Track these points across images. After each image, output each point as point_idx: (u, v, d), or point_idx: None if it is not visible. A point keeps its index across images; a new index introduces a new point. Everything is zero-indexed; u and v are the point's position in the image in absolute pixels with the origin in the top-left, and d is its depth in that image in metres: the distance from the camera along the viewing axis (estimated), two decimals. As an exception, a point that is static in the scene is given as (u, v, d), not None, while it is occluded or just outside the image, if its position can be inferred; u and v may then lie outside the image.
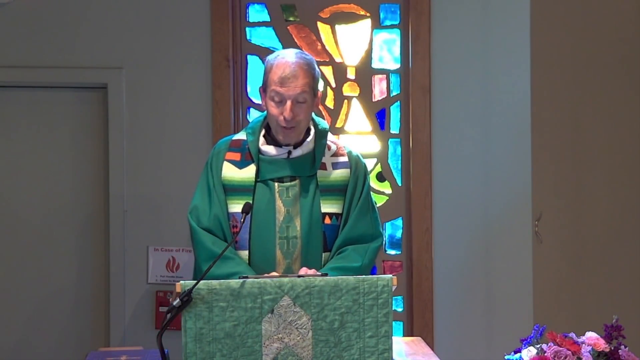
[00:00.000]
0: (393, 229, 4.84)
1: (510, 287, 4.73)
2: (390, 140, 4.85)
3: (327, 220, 3.44)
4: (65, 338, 4.73)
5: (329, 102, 4.83)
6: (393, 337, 3.02)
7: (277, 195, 3.43)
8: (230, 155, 3.48)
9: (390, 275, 3.02)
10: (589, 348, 2.90)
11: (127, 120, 4.70)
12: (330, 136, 3.55)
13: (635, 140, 5.01)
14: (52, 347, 4.73)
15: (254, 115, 4.72)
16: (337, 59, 4.84)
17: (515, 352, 2.96)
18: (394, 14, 4.84)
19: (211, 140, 4.63)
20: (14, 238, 4.74)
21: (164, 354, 2.94)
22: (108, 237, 4.69)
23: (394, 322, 3.99)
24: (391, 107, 4.85)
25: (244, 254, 3.40)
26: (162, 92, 4.71)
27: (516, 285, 4.73)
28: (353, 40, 4.85)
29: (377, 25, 4.84)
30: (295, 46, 4.70)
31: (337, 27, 4.84)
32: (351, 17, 4.85)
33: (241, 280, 2.97)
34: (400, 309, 4.82)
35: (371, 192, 3.56)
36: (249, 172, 3.45)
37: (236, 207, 3.39)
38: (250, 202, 3.36)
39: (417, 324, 4.76)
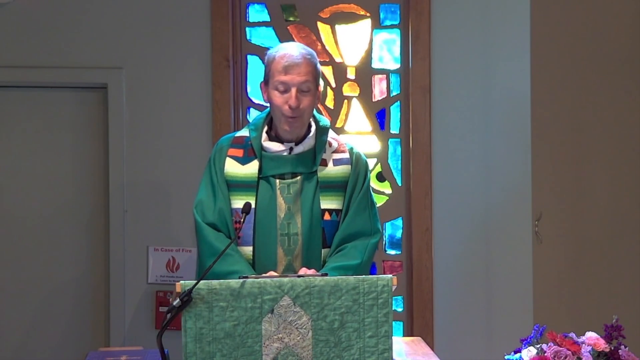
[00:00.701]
0: (393, 229, 4.84)
1: (510, 287, 4.74)
2: (390, 140, 4.85)
3: (327, 217, 3.44)
4: (65, 338, 4.73)
5: (329, 102, 4.83)
6: (393, 337, 3.01)
7: (278, 192, 3.42)
8: (233, 151, 3.48)
9: (390, 275, 3.01)
10: (589, 348, 2.90)
11: (127, 120, 4.70)
12: (331, 133, 3.55)
13: (635, 140, 5.00)
14: (52, 347, 4.72)
15: (254, 115, 4.72)
16: (337, 59, 4.84)
17: (515, 352, 2.95)
18: (394, 14, 4.84)
19: (211, 140, 4.63)
20: (14, 238, 4.74)
21: (164, 354, 2.94)
22: (108, 237, 4.69)
23: (394, 322, 4.00)
24: (391, 107, 4.85)
25: (248, 250, 3.40)
26: (162, 92, 4.71)
27: (516, 285, 4.73)
28: (353, 40, 4.84)
29: (377, 25, 4.84)
30: (295, 46, 4.71)
31: (337, 27, 4.84)
32: (351, 17, 4.85)
33: (241, 280, 2.97)
34: (400, 309, 4.82)
35: (371, 190, 3.56)
36: (251, 168, 3.44)
37: (239, 202, 3.38)
38: (252, 200, 3.37)
39: (417, 324, 4.76)
